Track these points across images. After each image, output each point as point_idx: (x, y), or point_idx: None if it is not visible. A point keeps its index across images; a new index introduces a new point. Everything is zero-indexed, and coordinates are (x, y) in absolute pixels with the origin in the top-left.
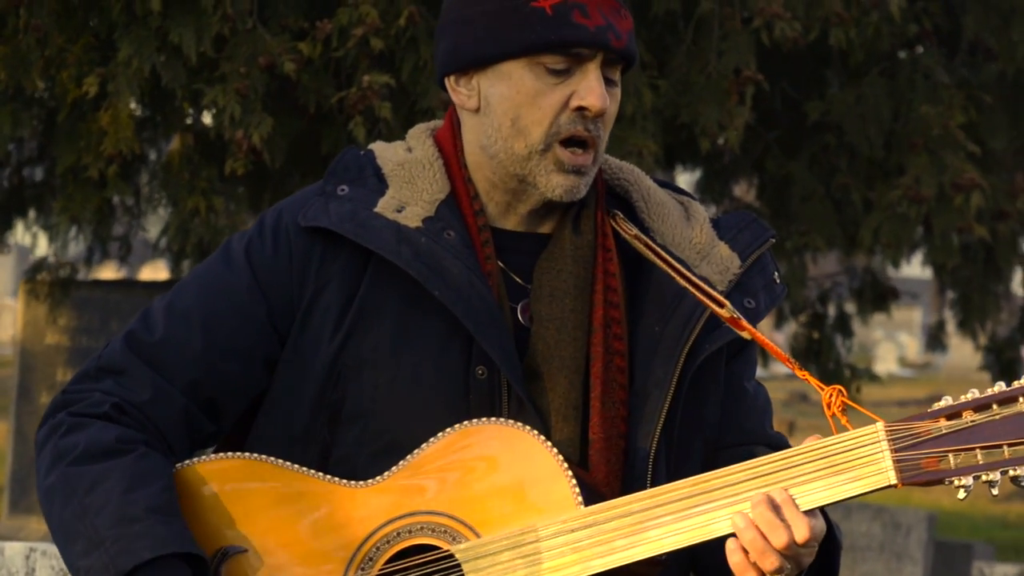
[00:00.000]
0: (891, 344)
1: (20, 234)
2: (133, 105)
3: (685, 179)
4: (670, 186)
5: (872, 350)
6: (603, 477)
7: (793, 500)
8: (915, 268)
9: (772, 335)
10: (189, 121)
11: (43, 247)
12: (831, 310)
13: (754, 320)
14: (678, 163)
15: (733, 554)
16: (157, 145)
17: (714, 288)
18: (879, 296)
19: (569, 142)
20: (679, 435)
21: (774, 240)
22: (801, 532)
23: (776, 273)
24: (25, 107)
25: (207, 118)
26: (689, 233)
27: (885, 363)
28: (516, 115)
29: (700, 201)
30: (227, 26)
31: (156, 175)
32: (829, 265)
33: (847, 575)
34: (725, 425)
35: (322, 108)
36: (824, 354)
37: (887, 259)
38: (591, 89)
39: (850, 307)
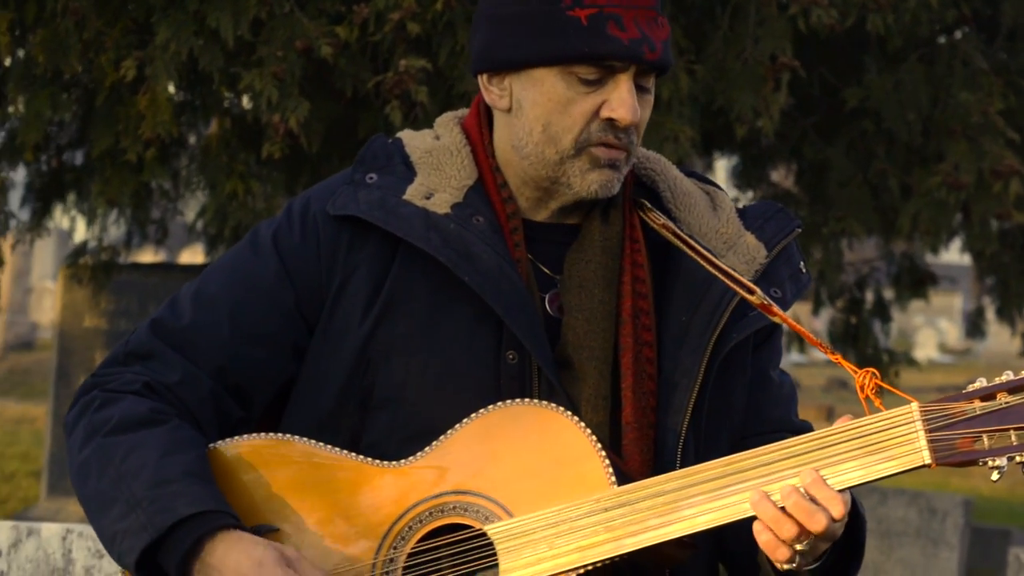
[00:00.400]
0: (931, 330)
1: (59, 218)
2: (172, 89)
3: (723, 165)
4: (696, 175)
5: (912, 336)
6: (637, 466)
7: (823, 479)
8: (954, 254)
9: (810, 321)
10: (227, 105)
11: (82, 231)
12: (869, 296)
13: (782, 308)
14: (716, 150)
15: (762, 533)
16: (196, 129)
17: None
18: (917, 282)
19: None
20: (707, 424)
21: (800, 230)
22: (837, 509)
23: (802, 263)
24: (64, 91)
25: (244, 102)
26: (715, 223)
27: (925, 349)
28: (547, 121)
29: (737, 187)
30: (264, 10)
31: (194, 159)
32: (868, 251)
33: (883, 560)
34: (751, 414)
35: (359, 92)
36: (862, 339)
37: (925, 246)
38: (623, 101)
39: (888, 293)
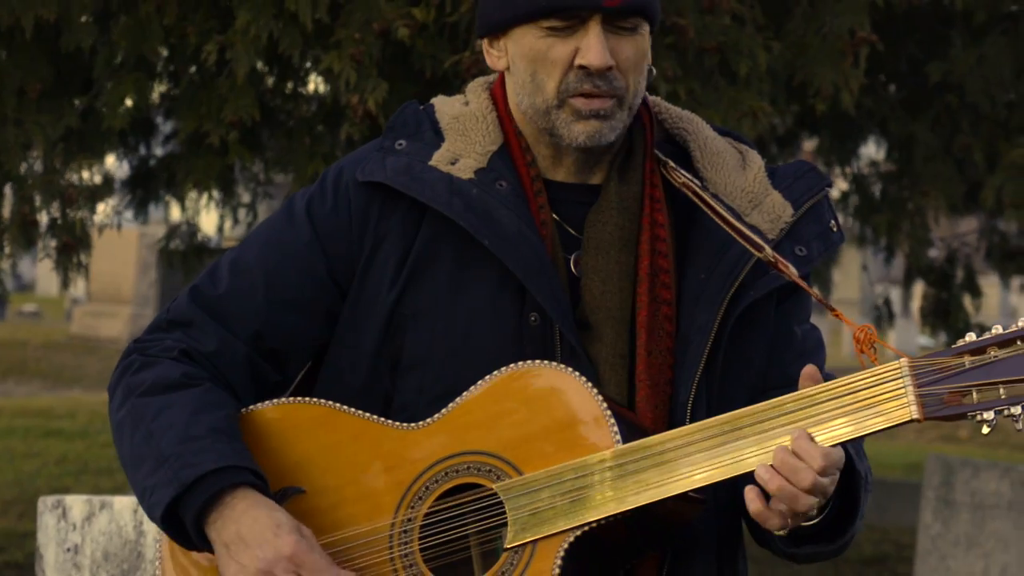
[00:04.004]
0: None
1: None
2: (260, 65)
3: (812, 144)
4: (732, 134)
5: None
6: (650, 423)
7: (807, 435)
8: None
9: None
10: (308, 87)
11: (177, 215)
12: (960, 271)
13: (804, 267)
14: (805, 129)
15: (752, 503)
16: (280, 111)
17: (763, 236)
18: (1008, 256)
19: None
20: (721, 380)
21: (830, 188)
22: (817, 462)
23: (833, 221)
24: (149, 77)
25: (324, 84)
26: (742, 182)
27: None
28: (532, 71)
29: (826, 164)
30: None
31: (278, 141)
32: (963, 225)
33: (976, 533)
34: (771, 369)
35: (437, 72)
36: (953, 314)
37: (1009, 219)
38: (589, 47)
39: (980, 267)
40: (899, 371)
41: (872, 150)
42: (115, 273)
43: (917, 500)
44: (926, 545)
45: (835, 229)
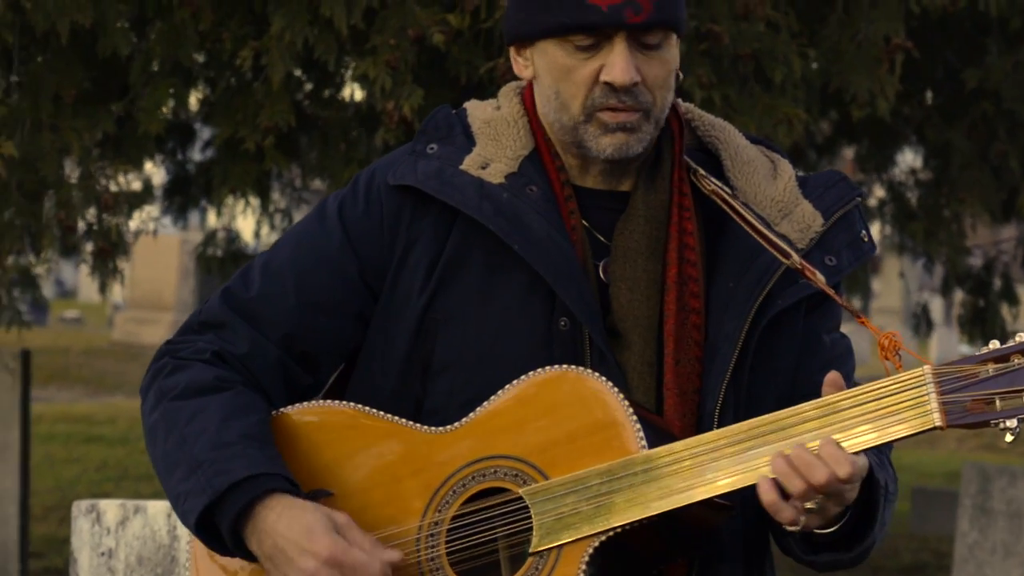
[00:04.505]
0: None
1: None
2: (298, 72)
3: (851, 151)
4: (764, 143)
5: None
6: (678, 431)
7: (835, 441)
8: None
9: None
10: (344, 93)
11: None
12: (997, 279)
13: (834, 277)
14: (843, 137)
15: (766, 494)
16: (316, 117)
17: (793, 246)
18: None
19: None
20: (749, 388)
21: (860, 199)
22: (844, 469)
23: (864, 231)
24: (185, 83)
25: (359, 90)
26: (772, 191)
27: None
28: (557, 89)
29: (863, 171)
30: None
31: (313, 147)
32: (1003, 233)
33: (1012, 542)
34: (799, 377)
35: (472, 78)
36: (990, 321)
37: None
38: (614, 64)
39: (1017, 275)
40: (922, 378)
41: (910, 157)
42: (156, 279)
43: (955, 508)
44: (963, 553)
45: (866, 239)
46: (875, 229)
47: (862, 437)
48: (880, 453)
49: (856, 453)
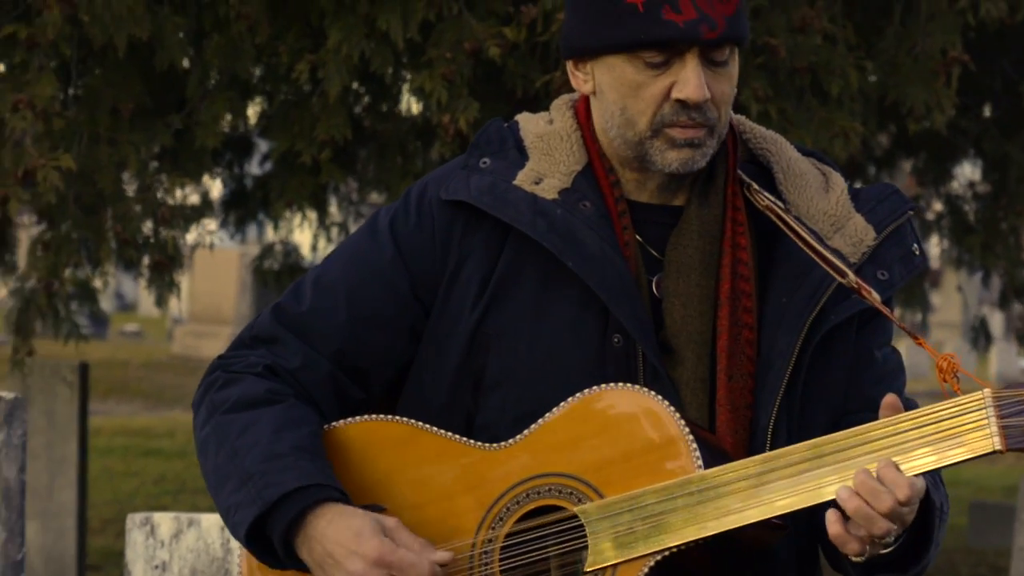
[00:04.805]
0: None
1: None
2: (356, 85)
3: (903, 167)
4: (816, 155)
5: None
6: (730, 447)
7: (893, 463)
8: None
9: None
10: (401, 107)
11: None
12: None
13: (886, 291)
14: (902, 150)
15: (832, 526)
16: (373, 130)
17: (845, 260)
18: None
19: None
20: (802, 404)
21: (912, 212)
22: (903, 492)
23: (916, 245)
24: (242, 96)
25: (415, 103)
26: (825, 204)
27: None
28: (623, 105)
29: (920, 184)
30: (433, 12)
31: (370, 160)
32: None
33: None
34: (850, 392)
35: (528, 92)
36: None
37: None
38: (688, 81)
39: None
40: (981, 402)
41: (968, 170)
42: (216, 293)
43: (1013, 523)
44: (1020, 568)
45: (917, 252)
46: (933, 243)
47: (921, 460)
48: (934, 473)
49: (916, 476)
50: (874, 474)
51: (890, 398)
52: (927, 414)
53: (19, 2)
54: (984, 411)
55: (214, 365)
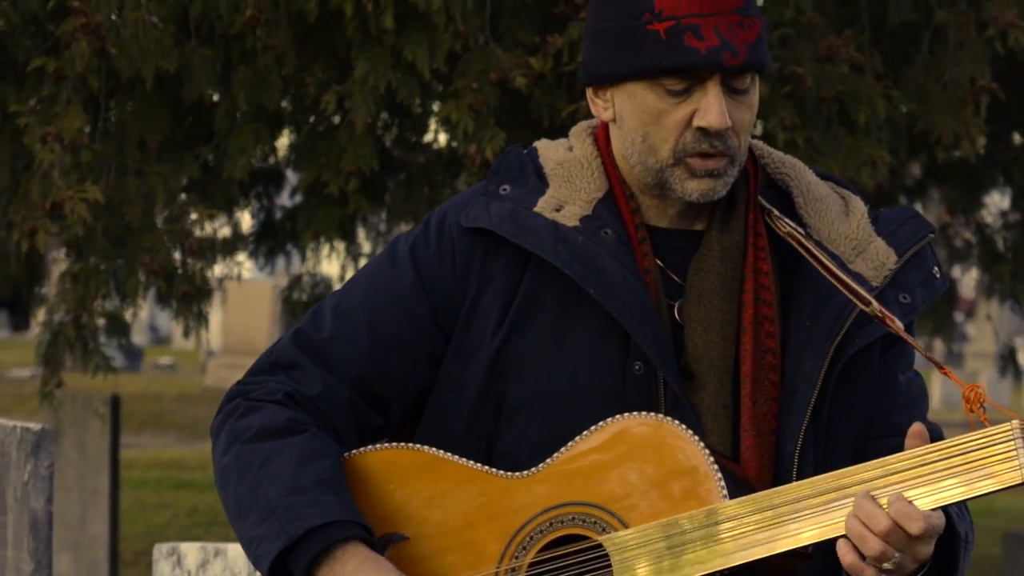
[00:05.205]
0: None
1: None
2: (385, 116)
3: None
4: (833, 179)
5: None
6: (755, 473)
7: (904, 497)
8: None
9: None
10: (428, 137)
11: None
12: None
13: (909, 315)
14: (932, 179)
15: (845, 555)
16: (401, 161)
17: (867, 284)
18: None
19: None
20: (827, 429)
21: (933, 235)
22: (915, 526)
23: (936, 267)
24: (270, 128)
25: (441, 134)
26: (846, 228)
27: None
28: (644, 132)
29: (951, 212)
30: (459, 42)
31: (398, 191)
32: None
33: None
34: (875, 417)
35: (554, 121)
36: None
37: None
38: (709, 108)
39: None
40: (1010, 433)
41: (998, 199)
42: (249, 326)
43: None
44: None
45: (938, 276)
46: (970, 273)
47: (949, 492)
48: (958, 503)
49: (935, 509)
50: (884, 507)
51: (916, 427)
52: (953, 445)
53: (47, 35)
54: (1013, 442)
55: (233, 392)
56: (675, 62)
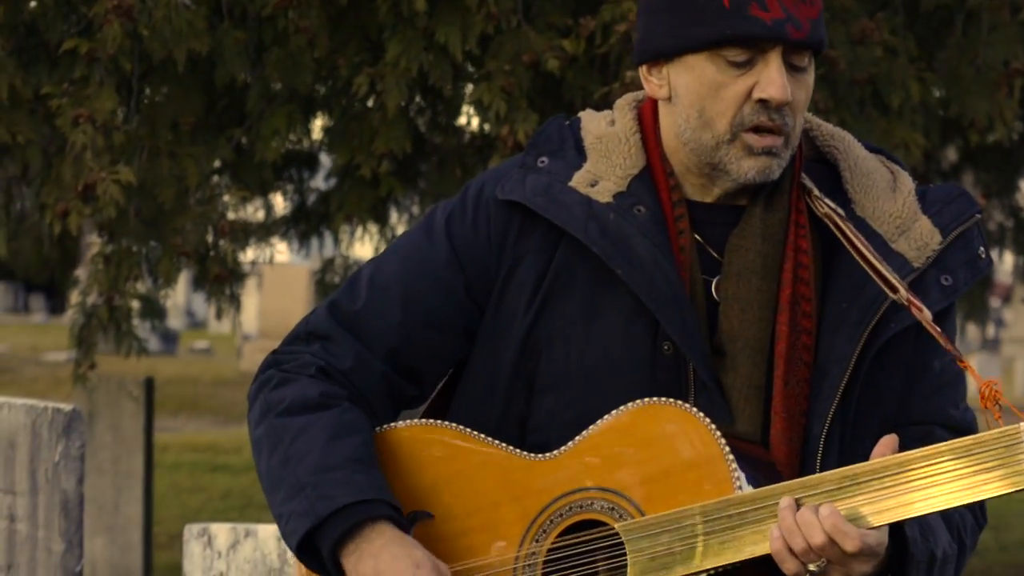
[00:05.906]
0: None
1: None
2: (418, 99)
3: (968, 179)
4: (884, 152)
5: None
6: (783, 456)
7: (841, 515)
8: None
9: None
10: (461, 120)
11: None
12: None
13: (949, 297)
14: (968, 162)
15: (774, 541)
16: (433, 144)
17: (907, 265)
18: None
19: (755, 128)
20: (856, 413)
21: (979, 216)
22: (851, 544)
23: (982, 248)
24: (303, 110)
25: (474, 117)
26: (891, 206)
27: None
28: (701, 107)
29: (985, 196)
30: (492, 25)
31: (431, 174)
32: None
33: None
34: (905, 403)
35: (587, 103)
36: None
37: None
38: (772, 80)
39: None
40: (1018, 435)
41: None
42: (285, 310)
43: None
44: None
45: (983, 256)
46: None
47: (955, 493)
48: (964, 509)
49: (878, 527)
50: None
51: (887, 438)
52: (963, 445)
53: (80, 17)
54: (1019, 446)
55: (268, 361)
56: (739, 31)
